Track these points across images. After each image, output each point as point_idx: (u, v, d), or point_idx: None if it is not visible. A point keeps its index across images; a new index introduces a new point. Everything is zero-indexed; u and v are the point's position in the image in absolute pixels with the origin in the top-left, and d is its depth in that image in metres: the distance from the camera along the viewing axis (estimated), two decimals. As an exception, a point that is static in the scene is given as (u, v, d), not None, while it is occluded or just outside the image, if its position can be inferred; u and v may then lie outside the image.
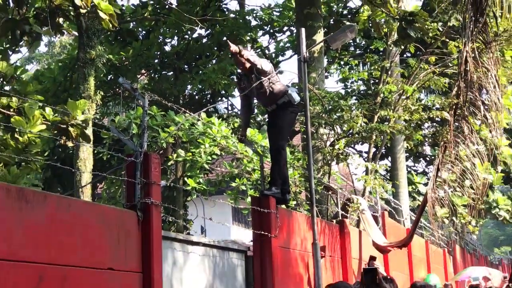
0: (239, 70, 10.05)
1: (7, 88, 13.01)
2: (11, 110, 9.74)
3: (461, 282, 16.64)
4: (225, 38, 20.64)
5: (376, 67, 17.04)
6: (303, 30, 10.95)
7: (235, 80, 11.55)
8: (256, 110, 13.96)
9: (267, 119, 10.66)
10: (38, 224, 5.70)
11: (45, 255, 5.70)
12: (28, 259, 5.52)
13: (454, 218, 17.26)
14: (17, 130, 9.40)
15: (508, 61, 15.18)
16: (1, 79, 12.09)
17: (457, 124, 12.75)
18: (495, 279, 14.46)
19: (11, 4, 11.96)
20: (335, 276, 11.79)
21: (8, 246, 5.37)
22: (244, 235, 22.26)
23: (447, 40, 14.26)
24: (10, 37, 12.35)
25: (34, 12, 12.22)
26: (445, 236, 24.18)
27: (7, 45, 14.04)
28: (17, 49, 15.10)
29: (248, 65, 9.56)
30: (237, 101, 24.26)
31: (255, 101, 10.59)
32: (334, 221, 13.26)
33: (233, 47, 9.36)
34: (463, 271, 17.80)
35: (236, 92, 21.54)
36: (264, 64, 9.61)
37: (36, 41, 13.05)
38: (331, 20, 19.88)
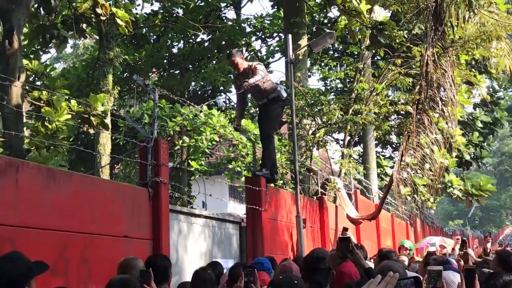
0: (235, 72, 10.05)
1: (38, 83, 12.97)
2: (42, 102, 9.71)
3: (420, 248, 16.67)
4: (224, 43, 20.74)
5: (351, 68, 17.04)
6: (289, 36, 10.94)
7: (233, 78, 11.52)
8: (249, 104, 13.91)
9: (258, 112, 10.64)
10: (64, 198, 5.70)
11: (69, 225, 5.71)
12: (55, 228, 5.53)
13: (415, 196, 17.30)
14: (46, 119, 9.37)
15: (463, 64, 15.18)
16: (33, 76, 12.06)
17: (418, 116, 12.75)
18: (449, 247, 14.48)
19: (42, 12, 11.90)
20: (315, 244, 11.80)
21: (39, 217, 5.38)
22: (239, 209, 22.27)
23: (411, 45, 14.24)
24: (41, 40, 12.30)
25: (62, 19, 12.17)
26: (407, 210, 24.25)
27: (38, 47, 13.97)
28: (46, 50, 14.99)
29: (243, 66, 9.62)
30: (233, 96, 24.26)
31: (249, 96, 10.58)
32: (315, 197, 13.28)
33: (246, 84, 9.34)
34: (423, 240, 17.86)
35: (233, 88, 21.61)
36: (260, 70, 9.61)
37: (63, 43, 13.00)
38: (314, 28, 19.82)
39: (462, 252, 9.17)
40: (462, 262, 8.15)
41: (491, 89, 30.35)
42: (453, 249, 13.35)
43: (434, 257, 8.75)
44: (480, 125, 29.58)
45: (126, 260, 5.33)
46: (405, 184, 14.60)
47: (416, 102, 12.62)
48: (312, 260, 5.95)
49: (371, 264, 6.84)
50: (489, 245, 12.59)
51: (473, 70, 18.47)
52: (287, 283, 3.62)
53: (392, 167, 18.47)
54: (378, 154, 24.79)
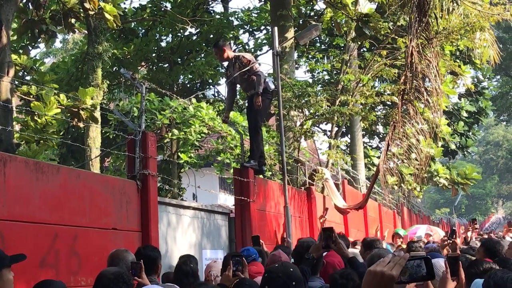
0: (225, 63, 10.06)
1: (27, 78, 12.92)
2: (31, 96, 9.67)
3: (404, 238, 16.78)
4: (212, 36, 20.77)
5: (338, 59, 17.05)
6: (276, 29, 10.93)
7: (224, 69, 11.53)
8: (238, 96, 13.93)
9: (247, 103, 10.64)
10: (52, 191, 5.70)
11: (58, 218, 5.71)
12: (44, 221, 5.52)
13: (402, 185, 17.37)
14: (36, 113, 9.34)
15: (447, 55, 15.24)
16: (22, 70, 12.02)
17: (404, 107, 12.77)
18: (436, 236, 14.56)
19: (30, 7, 11.85)
20: (303, 233, 11.84)
21: (27, 210, 5.37)
22: (229, 200, 22.30)
23: (396, 37, 14.28)
24: (30, 34, 12.27)
25: (50, 14, 12.13)
26: (394, 199, 24.36)
27: (27, 42, 13.96)
28: (35, 45, 15.00)
29: (230, 56, 9.64)
30: (222, 89, 24.30)
31: (238, 87, 10.57)
32: (303, 188, 13.31)
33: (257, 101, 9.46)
34: (409, 229, 17.93)
35: (222, 81, 21.68)
36: (247, 57, 9.68)
37: (52, 38, 12.98)
38: (300, 20, 19.83)
39: (451, 241, 9.22)
40: (445, 251, 8.19)
41: (475, 79, 30.51)
42: (448, 237, 13.41)
43: (426, 246, 8.81)
44: (465, 114, 29.74)
45: (116, 252, 5.34)
46: (392, 174, 14.61)
47: (402, 92, 12.64)
48: (301, 249, 5.97)
49: (356, 251, 6.87)
50: (469, 233, 12.68)
51: (458, 60, 18.50)
52: (283, 271, 3.63)
53: (378, 157, 18.52)
54: (365, 145, 24.86)
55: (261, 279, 4.37)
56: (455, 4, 11.99)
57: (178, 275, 5.64)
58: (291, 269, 3.70)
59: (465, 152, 32.50)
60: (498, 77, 45.67)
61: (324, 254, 5.78)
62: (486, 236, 15.49)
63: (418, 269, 2.10)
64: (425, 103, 12.92)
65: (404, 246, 12.03)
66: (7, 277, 3.52)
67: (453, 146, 28.83)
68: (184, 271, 5.60)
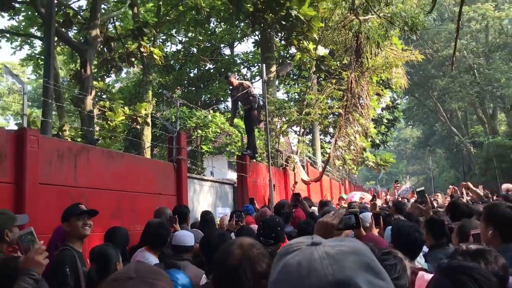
0: (231, 87, 10.03)
1: (103, 96, 12.87)
2: (106, 108, 9.63)
3: (348, 199, 16.78)
4: (223, 70, 20.76)
5: (304, 85, 17.06)
6: (264, 65, 10.90)
7: (229, 93, 11.48)
8: (239, 108, 13.92)
9: (244, 114, 10.61)
10: (119, 169, 5.67)
11: (123, 186, 5.70)
12: (113, 189, 5.51)
13: (345, 166, 17.37)
14: (109, 119, 9.31)
15: (374, 82, 15.18)
16: (100, 92, 11.99)
17: (346, 116, 12.78)
18: (366, 198, 14.56)
19: (105, 50, 11.80)
20: (281, 197, 11.84)
21: (102, 182, 5.36)
22: (234, 176, 22.25)
23: (342, 71, 14.25)
24: (105, 68, 12.22)
25: (118, 55, 12.08)
26: (340, 176, 24.36)
27: (103, 73, 13.90)
28: (109, 75, 14.91)
29: (235, 83, 9.61)
30: (229, 104, 24.37)
31: (239, 103, 10.55)
32: (281, 168, 13.31)
33: (236, 82, 9.41)
34: (349, 194, 17.92)
35: (229, 99, 21.67)
36: (246, 84, 9.66)
37: (119, 71, 12.95)
38: (280, 60, 19.80)
39: (373, 203, 9.24)
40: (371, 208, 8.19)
41: (392, 98, 30.49)
42: (370, 201, 13.44)
43: (356, 204, 8.82)
44: (385, 121, 29.80)
45: (159, 208, 5.33)
46: (338, 159, 14.67)
47: (345, 106, 12.66)
48: (278, 207, 5.98)
49: (314, 208, 6.88)
50: (388, 197, 12.70)
51: (381, 86, 18.45)
52: (272, 220, 3.67)
53: (330, 148, 18.55)
54: (321, 140, 24.82)
55: (255, 227, 4.38)
56: (379, 50, 11.97)
57: (202, 222, 5.65)
58: (277, 219, 3.73)
59: (385, 145, 32.58)
60: (407, 97, 45.66)
61: (293, 210, 5.79)
62: (399, 199, 15.51)
63: (349, 220, 2.11)
64: (359, 113, 12.94)
65: (346, 205, 12.07)
66: (74, 223, 3.37)
67: (377, 141, 28.86)
68: (205, 219, 5.62)
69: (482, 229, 2.92)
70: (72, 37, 12.77)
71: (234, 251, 1.62)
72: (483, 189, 9.55)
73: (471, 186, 8.10)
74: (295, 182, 12.59)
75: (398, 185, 13.80)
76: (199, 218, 5.96)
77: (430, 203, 4.98)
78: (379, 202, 10.05)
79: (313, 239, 0.86)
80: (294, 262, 0.81)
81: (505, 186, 9.50)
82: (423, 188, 4.60)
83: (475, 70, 37.18)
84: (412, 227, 3.29)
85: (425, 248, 3.73)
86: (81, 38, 14.59)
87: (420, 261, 3.62)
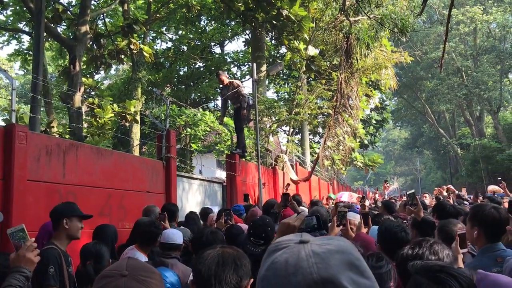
0: (221, 85, 10.03)
1: (92, 93, 12.79)
2: (95, 105, 9.57)
3: (336, 199, 16.85)
4: (213, 69, 20.73)
5: (294, 85, 17.04)
6: (254, 64, 10.90)
7: (220, 90, 11.48)
8: (229, 107, 13.91)
9: (234, 112, 10.61)
10: (108, 167, 5.65)
11: (112, 184, 5.67)
12: (102, 186, 5.48)
13: (333, 166, 17.44)
14: (98, 116, 9.25)
15: (363, 83, 15.27)
16: (89, 88, 11.88)
17: (336, 116, 12.84)
18: (354, 199, 14.65)
19: (95, 47, 11.72)
20: (269, 196, 11.86)
21: (91, 178, 5.33)
22: (223, 175, 22.20)
23: (332, 71, 14.30)
24: (94, 65, 12.14)
25: (108, 51, 12.01)
26: (328, 175, 24.47)
27: (92, 70, 13.80)
28: (98, 72, 14.82)
29: (226, 81, 9.61)
30: (218, 102, 24.36)
31: (229, 102, 10.54)
32: (270, 167, 13.33)
33: (244, 113, 9.45)
34: (337, 194, 18.00)
35: (219, 98, 21.67)
36: (236, 83, 9.67)
37: (108, 68, 12.87)
38: (270, 59, 19.82)
39: (361, 203, 9.33)
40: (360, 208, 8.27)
41: (381, 99, 30.71)
42: (359, 201, 13.53)
43: (343, 204, 8.89)
44: (374, 122, 29.99)
45: (148, 207, 5.33)
46: (327, 159, 14.73)
47: (334, 107, 12.72)
48: (267, 206, 5.99)
49: (304, 209, 6.91)
50: (377, 195, 12.79)
51: (370, 87, 18.55)
52: (263, 220, 3.68)
53: (319, 148, 18.64)
54: (310, 140, 24.91)
55: (245, 227, 4.40)
56: (369, 51, 12.04)
57: (187, 219, 5.69)
58: (267, 220, 3.74)
59: (374, 146, 32.83)
60: (396, 98, 46.01)
61: (282, 210, 5.81)
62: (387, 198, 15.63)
63: (311, 221, 2.13)
64: (349, 114, 13.02)
65: (333, 205, 12.13)
66: (75, 224, 3.34)
67: (366, 142, 29.08)
68: (189, 217, 5.66)
69: (468, 229, 2.98)
70: (61, 33, 12.66)
71: (208, 263, 1.70)
72: (466, 191, 9.77)
73: (451, 188, 8.28)
74: (287, 184, 12.62)
75: (388, 184, 13.94)
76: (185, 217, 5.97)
77: (422, 205, 5.04)
78: (367, 202, 10.13)
79: (302, 237, 0.89)
80: (282, 260, 0.84)
81: (491, 187, 9.69)
82: (413, 190, 4.67)
83: (463, 73, 37.59)
84: (398, 227, 3.34)
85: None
86: (70, 34, 14.48)
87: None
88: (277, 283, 0.82)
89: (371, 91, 17.21)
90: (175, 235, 3.89)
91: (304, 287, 0.78)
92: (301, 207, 6.82)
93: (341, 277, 0.79)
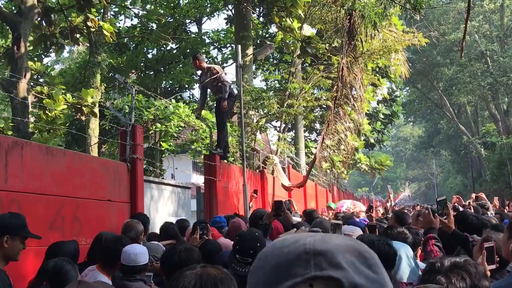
0: (198, 72, 10.02)
1: (41, 80, 12.67)
2: (43, 95, 9.50)
3: (334, 210, 16.97)
4: (188, 51, 20.70)
5: (286, 72, 17.11)
6: (239, 46, 10.88)
7: (198, 77, 11.46)
8: (208, 98, 13.88)
9: (215, 104, 10.60)
10: (59, 170, 5.61)
11: (64, 191, 5.64)
12: (53, 193, 5.44)
13: (333, 169, 17.54)
14: (47, 108, 9.18)
15: (369, 70, 15.36)
16: (37, 74, 11.79)
17: (336, 109, 12.89)
18: (357, 208, 14.72)
19: (44, 24, 11.62)
20: (257, 206, 11.88)
21: (40, 184, 5.29)
22: (200, 180, 22.19)
23: (331, 55, 14.34)
24: (43, 46, 12.04)
25: (60, 30, 11.92)
26: (327, 180, 24.58)
27: (41, 51, 13.70)
28: (47, 54, 14.72)
29: (204, 66, 9.60)
30: (196, 92, 24.32)
31: (209, 91, 10.52)
32: (257, 171, 13.35)
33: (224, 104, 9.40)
34: (338, 203, 18.10)
35: (196, 86, 21.66)
36: (217, 68, 9.67)
37: (60, 49, 12.77)
38: (258, 40, 19.84)
39: (368, 214, 9.46)
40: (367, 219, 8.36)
41: (390, 89, 30.99)
42: (366, 212, 13.63)
43: (342, 215, 9.00)
44: (381, 116, 30.23)
45: (129, 222, 5.17)
46: (326, 161, 14.81)
47: (334, 98, 12.76)
48: (255, 217, 6.00)
49: (297, 219, 6.94)
50: (388, 204, 12.91)
51: (377, 74, 18.72)
52: (251, 234, 3.68)
53: (316, 148, 18.70)
54: (305, 138, 25.00)
55: (226, 242, 4.39)
56: (376, 31, 12.10)
57: (161, 231, 5.71)
58: (257, 234, 3.74)
59: (381, 145, 33.11)
60: (407, 88, 46.39)
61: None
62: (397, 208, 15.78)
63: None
64: (352, 107, 13.08)
65: (332, 216, 12.20)
66: (17, 244, 3.33)
67: (372, 140, 29.31)
68: (164, 227, 5.69)
69: (503, 241, 2.97)
70: (2, 6, 12.51)
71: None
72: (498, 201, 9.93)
73: (482, 196, 8.35)
74: (255, 190, 12.66)
75: (390, 189, 14.09)
76: (159, 231, 5.94)
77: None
78: (380, 211, 10.29)
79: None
80: (280, 239, 0.92)
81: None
82: (444, 197, 4.68)
83: (488, 58, 38.03)
84: (379, 241, 3.44)
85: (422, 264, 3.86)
86: (13, 8, 14.30)
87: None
88: (270, 254, 0.88)
89: (378, 79, 17.34)
90: (138, 256, 3.81)
91: (294, 256, 0.84)
92: (294, 218, 6.84)
93: (338, 255, 0.83)
